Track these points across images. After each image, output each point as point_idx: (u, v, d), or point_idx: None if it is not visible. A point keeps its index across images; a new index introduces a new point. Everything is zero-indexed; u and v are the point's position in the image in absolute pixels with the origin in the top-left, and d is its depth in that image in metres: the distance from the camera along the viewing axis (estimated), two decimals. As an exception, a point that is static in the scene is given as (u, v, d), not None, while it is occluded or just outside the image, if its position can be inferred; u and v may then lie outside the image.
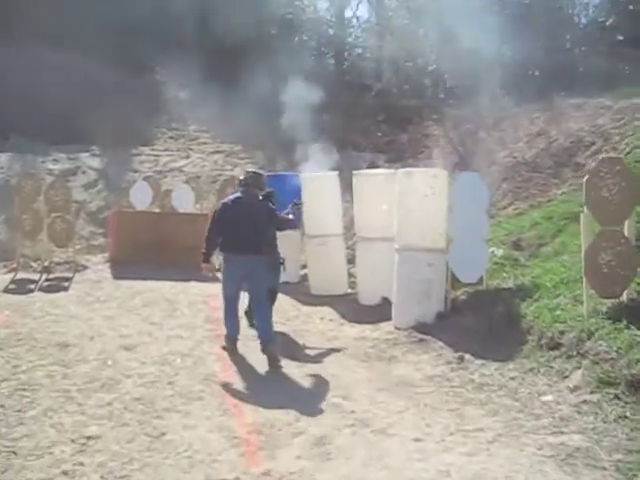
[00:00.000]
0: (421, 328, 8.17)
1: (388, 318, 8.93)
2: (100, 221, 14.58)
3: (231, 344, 7.35)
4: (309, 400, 5.89)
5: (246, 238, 6.95)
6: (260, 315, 7.30)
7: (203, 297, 9.91)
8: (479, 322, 7.77)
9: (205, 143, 18.15)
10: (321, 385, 6.33)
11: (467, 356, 7.01)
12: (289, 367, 6.85)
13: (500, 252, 9.31)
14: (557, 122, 13.59)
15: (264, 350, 7.01)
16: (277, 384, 6.37)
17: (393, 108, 19.37)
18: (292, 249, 11.72)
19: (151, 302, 10.01)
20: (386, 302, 9.70)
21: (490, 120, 15.89)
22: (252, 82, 19.11)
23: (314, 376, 6.60)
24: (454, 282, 8.65)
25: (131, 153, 17.01)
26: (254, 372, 6.81)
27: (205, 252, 7.24)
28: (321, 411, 5.60)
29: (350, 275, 11.29)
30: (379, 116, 19.16)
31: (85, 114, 16.68)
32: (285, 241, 10.91)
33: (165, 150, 17.56)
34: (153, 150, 17.49)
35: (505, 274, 8.86)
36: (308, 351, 7.67)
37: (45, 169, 15.65)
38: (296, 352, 7.50)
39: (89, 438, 4.88)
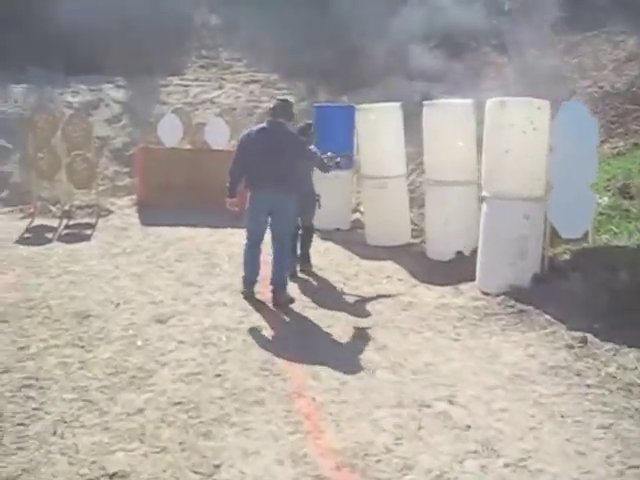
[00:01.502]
0: (516, 294, 6.67)
1: (468, 278, 7.45)
2: (125, 159, 13.09)
3: (247, 287, 6.76)
4: (405, 404, 4.43)
5: (270, 172, 6.39)
6: (278, 257, 6.68)
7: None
8: (593, 290, 6.23)
9: (239, 72, 16.42)
10: (416, 379, 4.85)
11: (589, 337, 5.51)
12: (369, 352, 5.39)
13: (605, 200, 7.67)
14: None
15: (273, 296, 6.60)
16: (355, 376, 4.91)
17: (445, 34, 17.42)
18: (342, 191, 10.29)
19: (185, 255, 8.64)
20: (461, 257, 8.25)
21: (562, 45, 13.97)
22: (287, 4, 17.35)
23: (402, 364, 5.13)
24: (552, 238, 7.09)
25: (158, 84, 15.35)
26: (319, 349, 5.38)
27: (230, 187, 6.70)
28: (426, 425, 4.14)
29: (412, 223, 9.79)
30: (430, 41, 17.21)
31: (108, 42, 15.21)
32: (333, 181, 9.50)
33: (195, 80, 15.88)
34: (182, 80, 15.81)
35: (614, 228, 7.27)
36: (386, 320, 6.21)
37: (64, 102, 14.09)
38: (372, 328, 6.03)
39: (113, 476, 3.46)
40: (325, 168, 6.99)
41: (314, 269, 7.96)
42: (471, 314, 6.41)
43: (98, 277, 7.50)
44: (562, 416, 4.23)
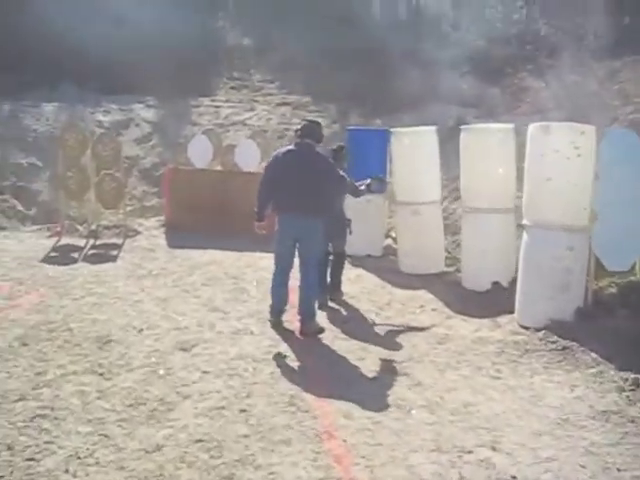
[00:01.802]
0: (558, 330, 6.29)
1: (505, 310, 7.13)
2: (154, 179, 12.99)
3: (275, 316, 6.52)
4: (443, 449, 4.09)
5: (298, 194, 6.16)
6: (306, 284, 6.40)
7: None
8: (643, 327, 5.86)
9: (271, 94, 16.31)
10: (455, 421, 4.50)
11: (642, 379, 5.13)
12: (403, 389, 5.06)
13: (652, 231, 7.27)
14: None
15: (301, 326, 6.35)
16: (389, 415, 4.58)
17: (479, 58, 17.18)
18: (374, 216, 10.03)
19: (212, 279, 8.39)
20: (498, 287, 7.92)
21: (602, 71, 13.63)
22: (322, 27, 17.26)
23: (439, 403, 4.79)
24: (597, 270, 6.73)
25: (189, 104, 15.28)
26: (350, 385, 5.06)
27: (258, 211, 6.46)
28: (468, 474, 3.79)
29: (446, 250, 9.47)
30: (464, 67, 16.97)
31: (140, 62, 15.21)
32: (366, 206, 9.26)
33: (227, 101, 15.80)
34: (214, 101, 15.76)
35: (664, 261, 6.88)
36: (421, 354, 5.89)
37: (94, 121, 14.07)
38: (406, 362, 5.70)
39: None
40: (356, 192, 6.73)
41: (345, 297, 7.67)
42: (511, 349, 6.06)
43: (122, 300, 7.28)
44: (618, 469, 3.86)
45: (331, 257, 7.56)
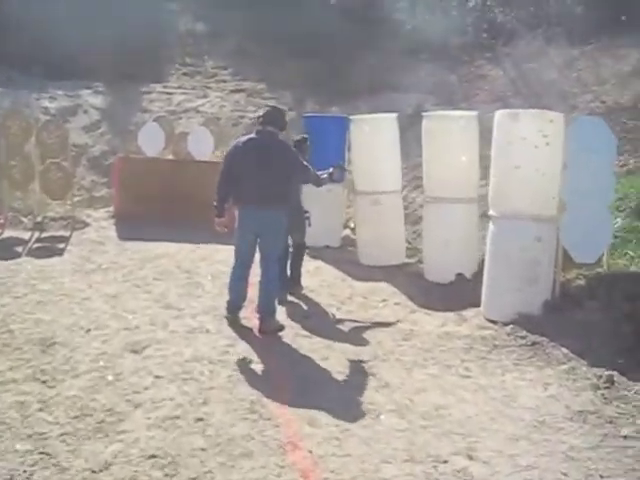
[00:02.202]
0: (526, 324, 6.10)
1: (470, 303, 6.91)
2: (104, 169, 12.40)
3: (232, 312, 6.15)
4: (417, 459, 3.81)
5: (260, 186, 5.79)
6: (266, 280, 6.02)
7: (229, 266, 7.74)
8: (614, 321, 5.68)
9: (224, 81, 15.79)
10: (428, 427, 4.22)
11: (615, 375, 4.93)
12: (370, 391, 4.78)
13: (618, 222, 7.13)
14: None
15: (260, 325, 5.96)
16: (357, 422, 4.28)
17: (436, 46, 16.97)
18: (333, 206, 9.70)
19: (165, 273, 7.99)
20: (461, 279, 7.72)
21: (560, 59, 13.52)
22: (276, 13, 16.82)
23: (409, 407, 4.51)
24: (564, 262, 6.55)
25: (140, 90, 14.70)
26: (315, 388, 4.76)
27: (217, 205, 6.04)
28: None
29: (406, 241, 9.24)
30: (421, 54, 16.74)
31: (88, 46, 14.61)
32: (324, 196, 8.90)
33: (179, 88, 15.24)
34: (165, 87, 15.17)
35: (631, 252, 6.73)
36: (386, 352, 5.62)
37: (40, 107, 13.39)
38: (372, 361, 5.42)
39: None
40: (319, 182, 6.39)
41: (304, 291, 7.36)
42: (479, 345, 5.83)
43: (68, 297, 6.84)
44: (601, 476, 3.64)
45: (290, 249, 7.23)
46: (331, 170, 6.51)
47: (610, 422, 4.28)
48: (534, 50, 14.93)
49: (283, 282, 6.78)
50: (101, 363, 5.08)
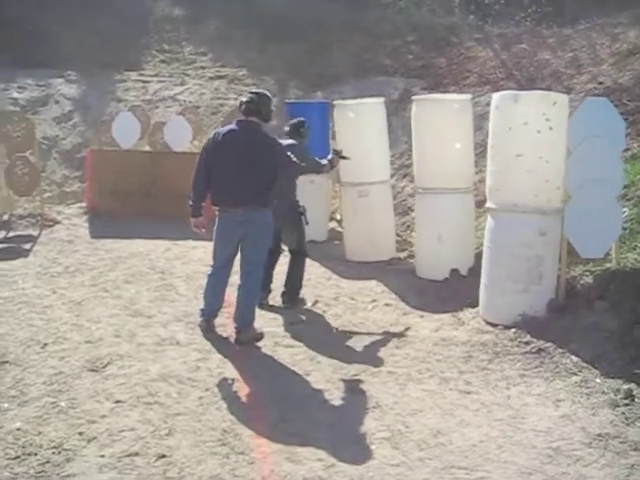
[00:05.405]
0: (530, 327, 5.55)
1: (467, 303, 6.36)
2: (76, 162, 11.76)
3: (205, 321, 5.59)
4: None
5: (240, 186, 5.20)
6: (246, 286, 5.41)
7: (207, 265, 7.08)
8: (627, 323, 5.13)
9: (203, 67, 15.13)
10: (425, 459, 3.65)
11: (634, 388, 4.39)
12: (360, 413, 4.21)
13: (625, 212, 6.56)
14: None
15: (237, 336, 5.39)
16: (344, 454, 3.71)
17: (422, 28, 16.37)
18: (318, 198, 9.09)
19: (136, 275, 7.42)
20: (457, 276, 7.19)
21: (552, 39, 12.94)
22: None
23: (403, 433, 3.95)
24: (569, 257, 5.99)
25: (114, 79, 14.00)
26: (296, 412, 4.19)
27: (193, 204, 5.45)
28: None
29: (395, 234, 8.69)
30: (408, 36, 16.12)
31: (60, 32, 13.96)
32: (308, 187, 8.28)
33: (156, 75, 14.55)
34: (141, 75, 14.48)
35: (642, 245, 6.18)
36: (377, 364, 5.06)
37: (8, 98, 12.69)
38: (361, 375, 4.85)
39: None
40: (319, 169, 6.02)
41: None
42: (479, 353, 5.27)
43: (28, 305, 6.23)
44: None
45: (274, 256, 6.51)
46: (330, 156, 6.01)
47: (636, 449, 3.72)
48: (525, 30, 14.39)
49: (263, 284, 6.15)
50: (55, 386, 4.48)
